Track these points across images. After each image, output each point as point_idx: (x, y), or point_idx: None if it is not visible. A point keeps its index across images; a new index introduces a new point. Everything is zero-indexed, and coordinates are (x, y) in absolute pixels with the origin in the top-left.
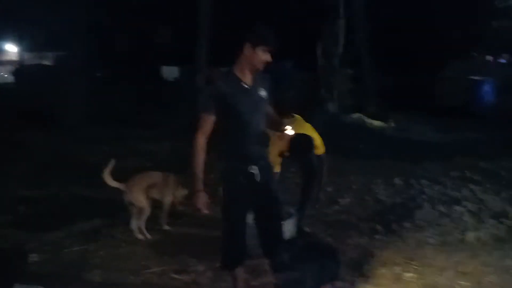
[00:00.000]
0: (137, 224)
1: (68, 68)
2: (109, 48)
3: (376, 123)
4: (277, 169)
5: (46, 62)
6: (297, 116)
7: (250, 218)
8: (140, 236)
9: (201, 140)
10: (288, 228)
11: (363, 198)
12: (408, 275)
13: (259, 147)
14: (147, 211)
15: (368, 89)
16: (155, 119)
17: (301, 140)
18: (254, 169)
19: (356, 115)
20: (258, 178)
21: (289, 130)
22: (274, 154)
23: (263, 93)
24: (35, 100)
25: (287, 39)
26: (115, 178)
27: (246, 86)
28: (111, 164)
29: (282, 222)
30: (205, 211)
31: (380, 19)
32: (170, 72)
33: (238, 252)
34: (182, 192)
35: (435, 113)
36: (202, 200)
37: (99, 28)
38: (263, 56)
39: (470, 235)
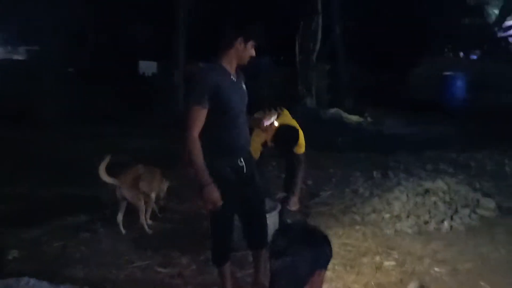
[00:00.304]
0: (121, 218)
1: (41, 63)
2: (82, 42)
3: (353, 117)
4: (256, 157)
5: (18, 57)
6: (284, 109)
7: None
8: (144, 226)
9: (196, 135)
10: (272, 220)
11: (343, 190)
12: (388, 263)
13: (245, 140)
14: (142, 204)
15: (345, 85)
16: (134, 115)
17: (287, 131)
18: (241, 162)
19: (333, 110)
20: (244, 170)
21: (275, 122)
22: (256, 144)
23: (244, 86)
24: (6, 96)
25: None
26: (109, 174)
27: (233, 79)
28: (106, 159)
29: (266, 214)
30: (219, 203)
31: (356, 15)
32: (148, 67)
33: (227, 247)
34: (165, 186)
35: (409, 108)
36: (216, 192)
37: (72, 22)
38: (251, 51)
39: (446, 225)
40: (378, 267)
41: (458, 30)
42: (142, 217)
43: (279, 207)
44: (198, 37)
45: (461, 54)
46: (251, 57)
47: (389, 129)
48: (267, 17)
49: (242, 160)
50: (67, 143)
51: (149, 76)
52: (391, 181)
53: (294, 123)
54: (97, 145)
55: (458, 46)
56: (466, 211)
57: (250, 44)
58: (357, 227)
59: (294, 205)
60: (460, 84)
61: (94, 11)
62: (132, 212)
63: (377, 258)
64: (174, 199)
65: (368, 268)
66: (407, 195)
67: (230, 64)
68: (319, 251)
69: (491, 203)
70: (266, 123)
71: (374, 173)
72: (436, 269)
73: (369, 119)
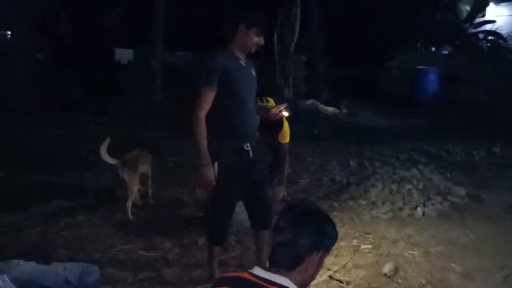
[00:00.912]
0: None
1: (8, 48)
2: (53, 28)
3: (329, 109)
4: None
5: None
6: (270, 99)
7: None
8: (128, 211)
9: (202, 116)
10: None
11: (321, 178)
12: (365, 246)
13: (252, 126)
14: (136, 188)
15: (321, 76)
16: (108, 103)
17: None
18: (247, 146)
19: (310, 101)
20: (250, 155)
21: (284, 112)
22: None
23: (254, 72)
24: None
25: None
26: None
27: (243, 63)
28: (107, 141)
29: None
30: (212, 184)
31: (333, 8)
32: (123, 54)
33: (227, 228)
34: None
35: (383, 100)
36: (211, 173)
37: (43, 6)
38: (254, 38)
39: (419, 211)
40: (356, 250)
41: (431, 26)
42: (130, 202)
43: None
44: (176, 24)
45: (433, 49)
46: (259, 45)
47: (364, 120)
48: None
49: (248, 145)
50: (40, 130)
51: (125, 64)
52: (367, 170)
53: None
54: (71, 133)
55: (430, 41)
56: (438, 198)
57: (252, 31)
58: (335, 213)
59: (281, 194)
60: (432, 78)
61: None
62: (114, 198)
63: (355, 242)
64: (157, 185)
65: (346, 251)
66: (383, 183)
67: (238, 50)
68: (320, 232)
69: (461, 191)
70: (275, 111)
71: (351, 162)
72: (409, 251)
73: (344, 110)
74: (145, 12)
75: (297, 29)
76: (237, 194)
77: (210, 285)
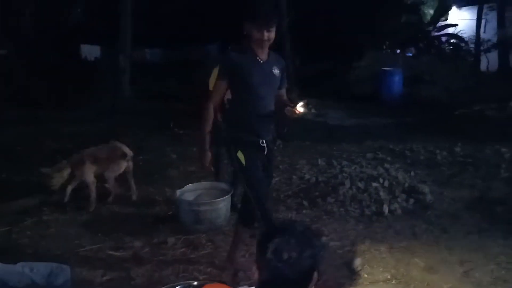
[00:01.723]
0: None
1: None
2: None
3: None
4: None
5: None
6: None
7: (189, 196)
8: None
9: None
10: (225, 203)
11: (290, 177)
12: (333, 243)
13: (267, 122)
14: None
15: (291, 76)
16: (74, 100)
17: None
18: (263, 143)
19: None
20: (265, 152)
21: (300, 108)
22: None
23: (276, 71)
24: None
25: (213, 25)
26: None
27: (260, 60)
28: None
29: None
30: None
31: (301, 8)
32: (90, 51)
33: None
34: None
35: (350, 99)
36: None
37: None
38: (258, 33)
39: (385, 208)
40: (325, 247)
41: (396, 28)
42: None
43: (232, 191)
44: (145, 20)
45: (398, 50)
46: (266, 41)
47: (331, 120)
48: (217, 8)
49: (264, 142)
50: (3, 127)
51: (92, 61)
52: (335, 169)
53: None
54: (36, 130)
55: (396, 43)
56: (403, 196)
57: (253, 27)
58: (304, 211)
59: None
60: (397, 78)
61: None
62: (81, 197)
63: (324, 238)
64: (123, 185)
65: None
66: (350, 181)
67: (255, 46)
68: (319, 249)
69: (425, 189)
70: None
71: (319, 161)
72: (376, 248)
73: (313, 110)
74: (112, 7)
75: None
76: (261, 175)
77: (179, 283)
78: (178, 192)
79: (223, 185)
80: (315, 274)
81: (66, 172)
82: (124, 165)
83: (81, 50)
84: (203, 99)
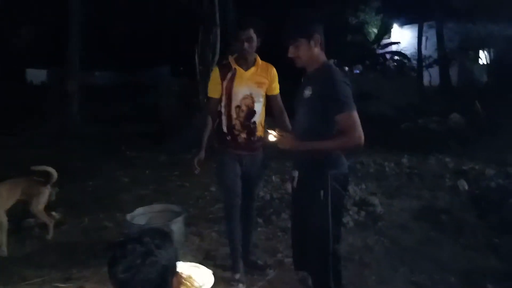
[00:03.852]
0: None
1: None
2: None
3: None
4: None
5: None
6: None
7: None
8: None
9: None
10: (177, 226)
11: None
12: (287, 260)
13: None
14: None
15: None
16: (18, 125)
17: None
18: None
19: None
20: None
21: (272, 136)
22: None
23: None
24: None
25: (164, 46)
26: None
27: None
28: None
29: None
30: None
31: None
32: (36, 75)
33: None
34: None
35: None
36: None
37: None
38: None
39: None
40: (280, 264)
41: (343, 47)
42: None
43: (184, 214)
44: (94, 43)
45: (346, 68)
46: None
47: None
48: (167, 28)
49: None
50: None
51: (38, 85)
52: (288, 184)
53: None
54: None
55: (343, 62)
56: (355, 208)
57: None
58: (259, 229)
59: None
60: None
61: None
62: (22, 228)
63: (279, 255)
64: (74, 211)
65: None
66: None
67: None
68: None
69: (375, 200)
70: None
71: (273, 177)
72: None
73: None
74: (59, 30)
75: (218, 47)
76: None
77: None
78: (128, 216)
79: (175, 207)
80: (175, 280)
81: None
82: (47, 193)
83: (27, 74)
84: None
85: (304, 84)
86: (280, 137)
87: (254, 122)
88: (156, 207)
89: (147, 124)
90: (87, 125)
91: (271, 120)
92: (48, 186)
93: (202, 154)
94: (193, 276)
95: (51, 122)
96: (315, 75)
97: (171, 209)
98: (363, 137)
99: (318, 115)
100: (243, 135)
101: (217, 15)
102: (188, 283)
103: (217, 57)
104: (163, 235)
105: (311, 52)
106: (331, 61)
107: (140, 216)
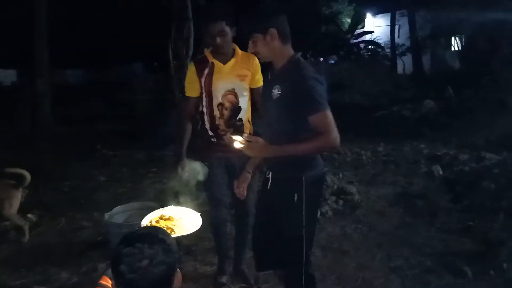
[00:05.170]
0: None
1: None
2: None
3: None
4: None
5: None
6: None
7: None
8: None
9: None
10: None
11: None
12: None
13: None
14: None
15: None
16: None
17: None
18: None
19: None
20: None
21: (236, 143)
22: None
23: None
24: None
25: (137, 42)
26: None
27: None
28: None
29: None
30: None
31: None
32: (5, 75)
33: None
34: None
35: None
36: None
37: None
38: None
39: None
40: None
41: (317, 38)
42: None
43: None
44: (65, 41)
45: (321, 59)
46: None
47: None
48: (139, 24)
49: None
50: None
51: (8, 86)
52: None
53: None
54: None
55: (318, 52)
56: (333, 198)
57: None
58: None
59: None
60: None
61: None
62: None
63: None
64: (50, 213)
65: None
66: None
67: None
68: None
69: (353, 189)
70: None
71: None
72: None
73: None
74: (26, 29)
75: (192, 43)
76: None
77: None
78: (106, 215)
79: (153, 204)
80: (176, 278)
81: None
82: (19, 196)
83: None
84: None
85: (271, 82)
86: (248, 143)
87: (241, 120)
88: (134, 205)
89: (122, 121)
90: (60, 125)
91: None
92: (20, 189)
93: (184, 163)
94: (183, 220)
95: (23, 123)
96: (283, 72)
97: (149, 206)
98: (339, 138)
99: (290, 116)
100: (229, 136)
101: (189, 8)
102: (176, 227)
103: (191, 52)
104: (166, 236)
105: (270, 47)
106: (299, 55)
107: (118, 214)
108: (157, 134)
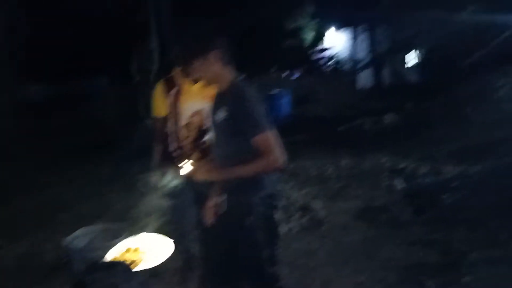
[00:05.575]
0: None
1: None
2: None
3: None
4: None
5: None
6: None
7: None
8: None
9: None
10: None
11: None
12: None
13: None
14: None
15: None
16: None
17: None
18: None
19: None
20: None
21: (185, 169)
22: None
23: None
24: None
25: (100, 56)
26: None
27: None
28: None
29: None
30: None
31: None
32: None
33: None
34: None
35: None
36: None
37: None
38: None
39: (284, 228)
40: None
41: (280, 53)
42: None
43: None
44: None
45: (286, 73)
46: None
47: None
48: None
49: None
50: None
51: None
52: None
53: None
54: None
55: (282, 67)
56: (299, 213)
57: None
58: None
59: None
60: (285, 101)
61: None
62: None
63: None
64: (7, 235)
65: None
66: None
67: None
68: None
69: (318, 204)
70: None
71: None
72: None
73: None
74: None
75: (156, 57)
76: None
77: None
78: (67, 240)
79: (117, 225)
80: None
81: None
82: None
83: None
84: None
85: (215, 105)
86: (196, 168)
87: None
88: (97, 227)
89: (86, 136)
90: (22, 142)
91: None
92: None
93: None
94: (151, 251)
95: None
96: (225, 95)
97: (113, 227)
98: (282, 159)
99: (234, 139)
100: (195, 158)
101: (153, 23)
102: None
103: (155, 66)
104: (126, 268)
105: (211, 71)
106: (241, 77)
107: (80, 238)
108: (123, 148)
